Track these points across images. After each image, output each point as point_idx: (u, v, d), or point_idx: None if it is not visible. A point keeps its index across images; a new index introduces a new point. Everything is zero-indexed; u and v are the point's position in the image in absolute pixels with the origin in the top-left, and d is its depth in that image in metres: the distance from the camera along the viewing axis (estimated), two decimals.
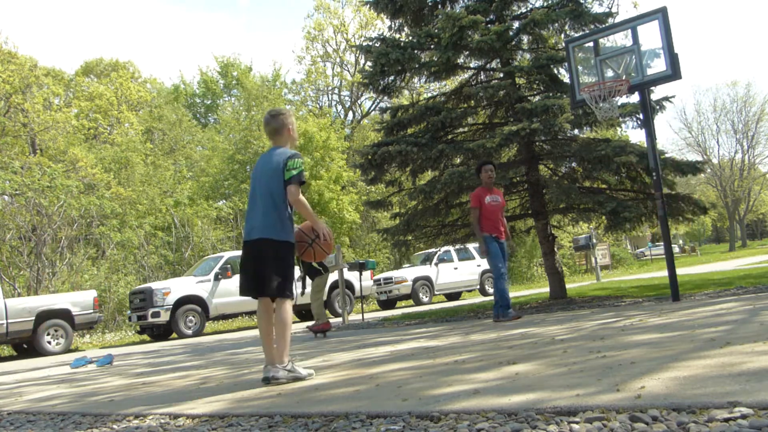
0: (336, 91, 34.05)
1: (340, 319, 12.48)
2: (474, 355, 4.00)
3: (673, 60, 6.33)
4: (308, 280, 8.18)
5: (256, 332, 12.64)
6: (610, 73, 6.98)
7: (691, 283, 8.87)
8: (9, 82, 21.72)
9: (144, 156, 26.46)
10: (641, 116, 7.63)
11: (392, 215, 10.55)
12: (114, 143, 27.38)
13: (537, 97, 9.37)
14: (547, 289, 10.14)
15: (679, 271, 7.63)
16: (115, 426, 3.05)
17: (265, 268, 3.77)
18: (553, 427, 1.97)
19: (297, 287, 4.57)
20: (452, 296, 18.98)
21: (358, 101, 33.83)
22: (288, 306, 3.80)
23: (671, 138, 78.54)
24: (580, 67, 7.26)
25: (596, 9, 9.32)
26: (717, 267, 16.96)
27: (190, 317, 13.65)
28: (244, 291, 3.93)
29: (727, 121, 47.71)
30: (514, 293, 16.83)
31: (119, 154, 25.46)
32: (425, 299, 17.63)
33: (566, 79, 8.81)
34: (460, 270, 18.47)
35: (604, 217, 8.93)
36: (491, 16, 9.33)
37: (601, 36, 7.20)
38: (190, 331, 13.48)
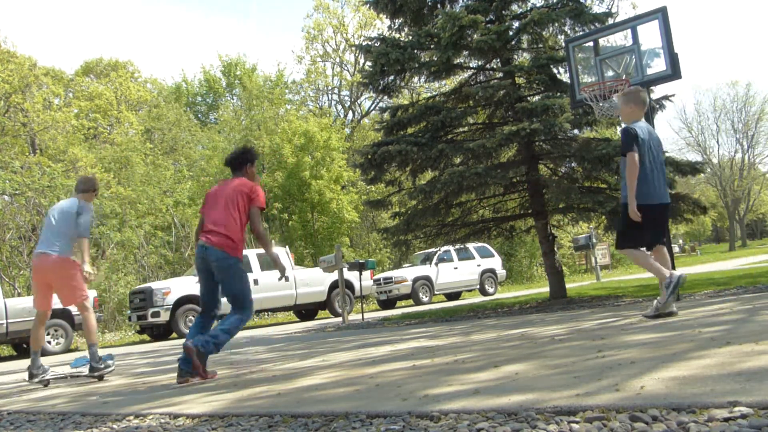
0: (336, 90, 34.05)
1: (340, 319, 12.48)
2: (474, 354, 4.00)
3: (673, 60, 6.33)
4: None
5: (256, 332, 12.64)
6: (610, 73, 6.99)
7: (690, 283, 8.86)
8: (8, 82, 21.72)
9: (144, 156, 26.46)
10: None
11: (392, 215, 10.55)
12: (114, 143, 27.38)
13: (537, 97, 9.37)
14: (547, 289, 10.15)
15: (679, 270, 7.61)
16: (115, 426, 3.05)
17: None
18: (553, 426, 1.97)
19: None
20: (452, 296, 18.98)
21: (358, 101, 33.83)
22: None
23: (671, 137, 78.05)
24: (580, 67, 7.26)
25: (596, 9, 9.30)
26: (717, 267, 16.96)
27: (190, 317, 13.63)
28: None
29: (727, 121, 47.81)
30: (514, 293, 16.84)
31: (119, 153, 25.45)
32: (425, 299, 17.63)
33: (566, 79, 8.82)
34: (460, 270, 18.47)
35: (604, 217, 8.94)
36: (491, 16, 9.33)
37: (601, 36, 7.20)
38: None
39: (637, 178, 4.62)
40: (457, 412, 2.30)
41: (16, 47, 33.30)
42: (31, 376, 5.44)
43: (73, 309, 12.79)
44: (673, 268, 6.59)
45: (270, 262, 15.21)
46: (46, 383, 5.46)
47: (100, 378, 5.45)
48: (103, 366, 5.41)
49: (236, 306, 4.49)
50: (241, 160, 4.72)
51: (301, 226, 24.53)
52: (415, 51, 9.19)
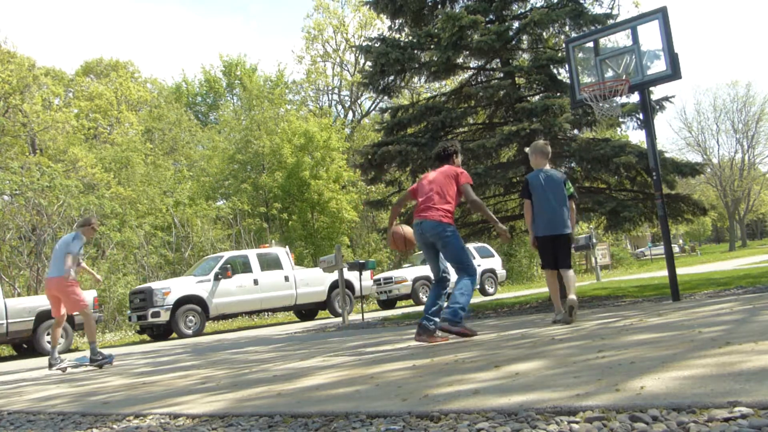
0: (336, 91, 34.08)
1: (340, 319, 12.47)
2: (474, 354, 4.00)
3: (673, 60, 6.33)
4: None
5: (256, 332, 12.64)
6: (610, 73, 6.98)
7: (691, 283, 8.87)
8: (8, 82, 21.71)
9: (144, 156, 26.46)
10: (641, 116, 7.63)
11: None
12: (114, 143, 27.38)
13: (537, 97, 9.37)
14: (547, 289, 10.13)
15: (679, 270, 7.63)
16: (115, 426, 3.05)
17: None
18: (553, 426, 1.97)
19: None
20: None
21: (358, 101, 33.85)
22: None
23: (671, 138, 78.70)
24: (579, 67, 7.26)
25: (597, 10, 9.30)
26: (717, 267, 16.96)
27: (190, 317, 13.64)
28: None
29: (727, 121, 47.81)
30: (514, 293, 16.83)
31: (119, 154, 25.46)
32: (425, 299, 17.60)
33: (566, 79, 8.82)
34: None
35: (603, 217, 8.93)
36: (491, 16, 9.33)
37: (601, 36, 7.19)
38: (190, 331, 13.48)
39: (534, 215, 5.61)
40: (457, 412, 2.30)
41: (16, 47, 33.35)
42: (50, 366, 7.08)
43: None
44: (674, 268, 6.63)
45: (270, 262, 15.24)
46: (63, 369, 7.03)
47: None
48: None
49: (461, 270, 5.12)
50: (449, 152, 5.53)
51: (300, 225, 24.54)
52: (415, 51, 9.19)
